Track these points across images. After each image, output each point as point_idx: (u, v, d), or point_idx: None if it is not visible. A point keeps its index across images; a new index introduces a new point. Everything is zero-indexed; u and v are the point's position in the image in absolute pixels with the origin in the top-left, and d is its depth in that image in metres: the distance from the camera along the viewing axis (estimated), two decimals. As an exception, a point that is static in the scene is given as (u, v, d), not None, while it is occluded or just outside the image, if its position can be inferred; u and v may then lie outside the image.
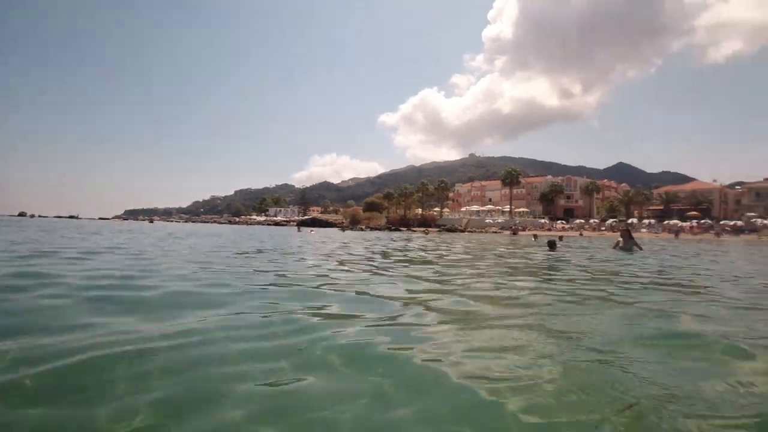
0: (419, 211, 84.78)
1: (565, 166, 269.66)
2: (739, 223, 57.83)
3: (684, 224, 58.78)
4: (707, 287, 6.01)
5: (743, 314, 4.02)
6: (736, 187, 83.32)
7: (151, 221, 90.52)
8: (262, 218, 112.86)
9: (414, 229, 61.21)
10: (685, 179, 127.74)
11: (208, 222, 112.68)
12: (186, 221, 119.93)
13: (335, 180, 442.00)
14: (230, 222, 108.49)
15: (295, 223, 77.35)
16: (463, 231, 59.87)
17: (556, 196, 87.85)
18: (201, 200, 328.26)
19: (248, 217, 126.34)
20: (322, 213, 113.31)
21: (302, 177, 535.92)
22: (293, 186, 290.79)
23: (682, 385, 2.08)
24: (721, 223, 58.67)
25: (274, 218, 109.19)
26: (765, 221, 57.55)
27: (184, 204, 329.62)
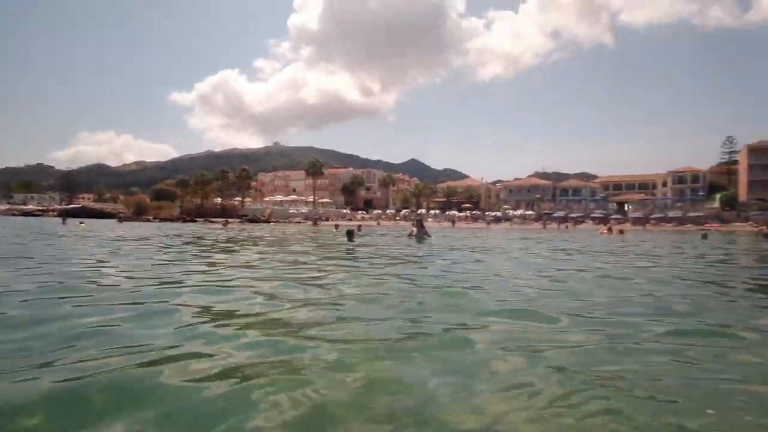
0: (219, 200, 78.41)
1: (366, 159, 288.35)
2: (499, 214, 70.69)
3: (460, 214, 68.83)
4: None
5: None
6: (497, 184, 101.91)
7: None
8: (3, 206, 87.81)
9: (213, 220, 55.89)
10: (462, 176, 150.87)
11: None
12: None
13: (114, 163, 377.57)
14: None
15: (55, 213, 62.10)
16: (266, 221, 57.45)
17: (357, 188, 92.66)
18: None
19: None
20: (95, 201, 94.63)
21: (65, 157, 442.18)
22: (53, 167, 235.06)
23: None
24: (486, 213, 70.71)
25: (23, 206, 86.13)
26: (515, 212, 71.58)
27: None
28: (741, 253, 13.67)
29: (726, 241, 21.58)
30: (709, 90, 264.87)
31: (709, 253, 12.48)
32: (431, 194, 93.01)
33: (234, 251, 10.85)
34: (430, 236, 15.48)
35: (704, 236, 23.50)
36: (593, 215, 67.52)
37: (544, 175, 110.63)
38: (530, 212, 71.93)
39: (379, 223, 55.47)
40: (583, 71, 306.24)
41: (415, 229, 15.62)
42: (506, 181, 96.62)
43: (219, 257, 9.30)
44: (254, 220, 57.25)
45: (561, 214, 68.44)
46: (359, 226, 27.03)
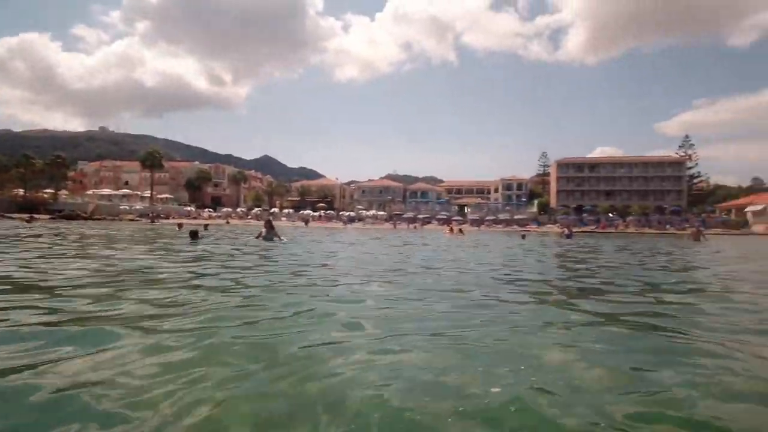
0: (20, 191, 63.96)
1: (215, 153, 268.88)
2: (352, 214, 71.80)
3: (314, 214, 68.03)
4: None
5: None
6: (351, 185, 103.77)
7: None
8: None
9: (11, 216, 44.88)
10: (317, 175, 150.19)
11: None
12: None
13: None
14: None
15: None
16: (88, 218, 48.65)
17: (204, 184, 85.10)
18: None
19: None
20: None
21: None
22: None
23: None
24: (340, 214, 71.19)
25: None
26: (368, 213, 73.54)
27: None
28: (543, 246, 15.76)
29: (539, 241, 24.81)
30: (530, 110, 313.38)
31: (518, 252, 13.84)
32: (285, 193, 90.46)
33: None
34: (281, 238, 14.29)
35: (523, 236, 26.73)
36: (438, 216, 73.27)
37: (395, 178, 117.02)
38: (382, 213, 74.82)
39: (228, 222, 51.48)
40: (432, 84, 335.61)
41: (264, 230, 14.26)
42: (360, 182, 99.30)
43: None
44: (71, 217, 48.02)
45: (410, 215, 72.64)
46: (206, 225, 24.34)
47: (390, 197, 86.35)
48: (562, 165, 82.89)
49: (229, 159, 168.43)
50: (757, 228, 56.19)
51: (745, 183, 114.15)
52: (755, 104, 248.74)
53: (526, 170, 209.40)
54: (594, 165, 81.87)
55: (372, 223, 65.33)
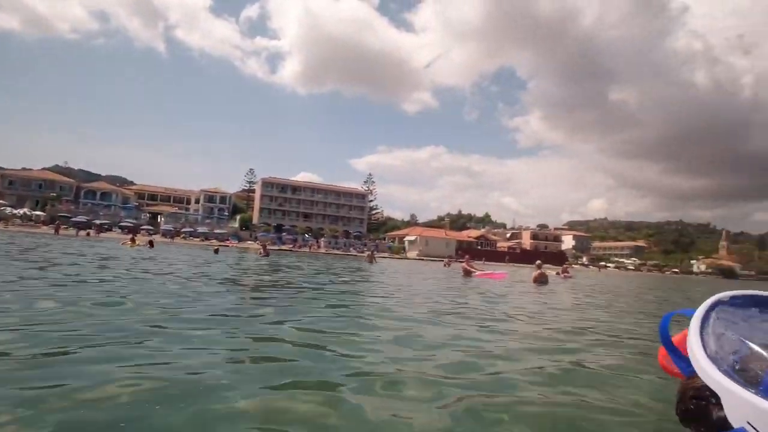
0: None
1: None
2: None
3: None
4: None
5: None
6: (-8, 171, 76.38)
7: None
8: None
9: None
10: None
11: None
12: None
13: None
14: None
15: None
16: None
17: None
18: None
19: None
20: None
21: None
22: None
23: None
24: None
25: None
26: (17, 211, 55.23)
27: None
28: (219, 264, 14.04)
29: (236, 256, 23.03)
30: (242, 124, 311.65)
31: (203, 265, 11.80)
32: None
33: None
34: None
35: (216, 251, 24.55)
36: (123, 224, 61.83)
37: (66, 171, 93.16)
38: (40, 213, 57.68)
39: None
40: (133, 69, 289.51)
41: None
42: (7, 170, 74.02)
43: None
44: None
45: (83, 218, 58.58)
46: None
47: (55, 194, 67.68)
48: (267, 183, 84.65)
49: None
50: (411, 254, 71.24)
51: (407, 218, 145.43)
52: (416, 158, 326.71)
53: (231, 184, 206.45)
54: (296, 188, 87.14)
55: (21, 224, 49.15)
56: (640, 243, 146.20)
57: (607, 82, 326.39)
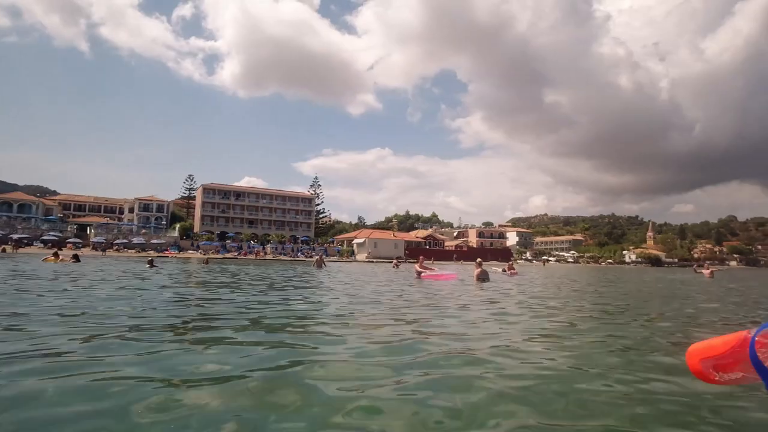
0: None
1: None
2: None
3: None
4: None
5: None
6: None
7: None
8: None
9: None
10: None
11: None
12: None
13: None
14: None
15: None
16: None
17: None
18: None
19: None
20: None
21: None
22: None
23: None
24: None
25: None
26: None
27: None
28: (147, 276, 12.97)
29: (175, 267, 21.54)
30: (178, 129, 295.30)
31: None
32: None
33: None
34: None
35: (150, 263, 22.43)
36: (45, 237, 56.68)
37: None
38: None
39: None
40: (53, 69, 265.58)
41: None
42: None
43: None
44: None
45: (-2, 233, 53.09)
46: None
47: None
48: (208, 190, 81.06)
49: None
50: (360, 256, 70.72)
51: (354, 220, 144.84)
52: (362, 161, 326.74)
53: (168, 192, 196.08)
54: (240, 193, 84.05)
55: None
56: (578, 236, 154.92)
57: (541, 86, 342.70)
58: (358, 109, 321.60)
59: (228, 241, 69.53)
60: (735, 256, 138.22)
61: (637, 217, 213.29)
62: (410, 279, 15.85)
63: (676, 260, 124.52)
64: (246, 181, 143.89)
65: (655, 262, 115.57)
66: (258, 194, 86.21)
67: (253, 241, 72.73)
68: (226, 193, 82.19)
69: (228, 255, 56.79)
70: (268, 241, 72.70)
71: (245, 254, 60.52)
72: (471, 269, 19.48)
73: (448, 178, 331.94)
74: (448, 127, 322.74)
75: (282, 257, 60.52)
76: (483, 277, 14.73)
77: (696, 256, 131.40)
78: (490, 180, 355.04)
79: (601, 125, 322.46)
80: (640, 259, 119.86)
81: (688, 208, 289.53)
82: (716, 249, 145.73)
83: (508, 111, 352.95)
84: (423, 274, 16.27)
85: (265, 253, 64.40)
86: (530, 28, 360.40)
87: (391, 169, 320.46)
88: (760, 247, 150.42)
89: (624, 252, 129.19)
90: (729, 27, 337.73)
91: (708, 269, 28.79)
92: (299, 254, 65.97)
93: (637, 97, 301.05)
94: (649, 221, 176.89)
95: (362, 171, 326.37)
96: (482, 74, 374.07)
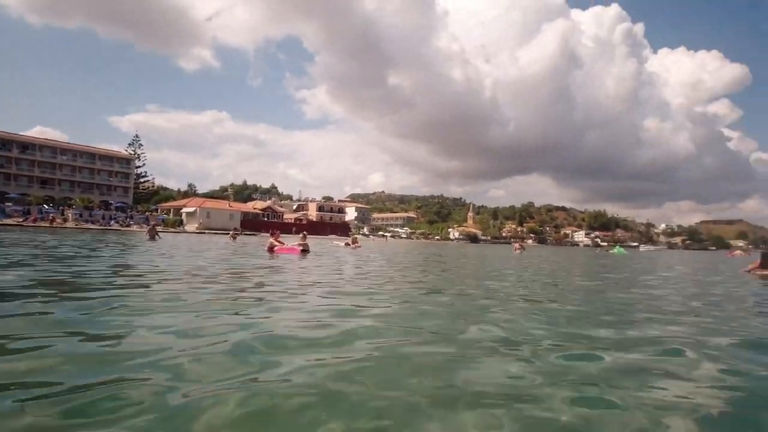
0: None
1: None
2: None
3: None
4: None
5: None
6: None
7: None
8: None
9: None
10: None
11: None
12: None
13: None
14: None
15: None
16: None
17: None
18: None
19: None
20: None
21: None
22: None
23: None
24: None
25: None
26: None
27: None
28: None
29: None
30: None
31: None
32: None
33: None
34: None
35: None
36: None
37: None
38: None
39: None
40: None
41: None
42: None
43: None
44: None
45: None
46: None
47: None
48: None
49: None
50: (190, 227, 63.71)
51: (184, 187, 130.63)
52: (196, 122, 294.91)
53: None
54: (28, 145, 67.16)
55: None
56: (411, 214, 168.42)
57: (386, 66, 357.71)
58: (192, 64, 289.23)
59: (8, 204, 54.98)
60: (531, 235, 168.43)
61: (461, 199, 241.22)
62: (260, 251, 14.19)
63: (489, 238, 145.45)
64: (38, 131, 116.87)
65: (473, 239, 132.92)
66: (56, 149, 70.17)
67: (48, 204, 59.09)
68: (6, 143, 64.72)
69: (7, 221, 44.93)
70: (70, 206, 59.93)
71: (35, 220, 48.65)
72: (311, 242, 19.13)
73: (291, 149, 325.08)
74: (292, 97, 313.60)
75: (89, 226, 50.36)
76: (306, 249, 14.99)
77: (504, 234, 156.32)
78: (332, 154, 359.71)
79: (436, 112, 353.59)
80: (461, 237, 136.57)
81: (500, 192, 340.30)
82: (519, 229, 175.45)
83: (353, 86, 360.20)
84: (276, 248, 14.68)
85: (65, 220, 52.86)
86: (378, 7, 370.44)
87: (229, 135, 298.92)
88: (548, 228, 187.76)
89: (449, 230, 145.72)
90: (538, 42, 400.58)
91: (519, 245, 33.62)
92: (112, 222, 56.09)
93: (466, 91, 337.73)
94: (470, 203, 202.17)
95: (197, 134, 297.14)
96: (330, 46, 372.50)
